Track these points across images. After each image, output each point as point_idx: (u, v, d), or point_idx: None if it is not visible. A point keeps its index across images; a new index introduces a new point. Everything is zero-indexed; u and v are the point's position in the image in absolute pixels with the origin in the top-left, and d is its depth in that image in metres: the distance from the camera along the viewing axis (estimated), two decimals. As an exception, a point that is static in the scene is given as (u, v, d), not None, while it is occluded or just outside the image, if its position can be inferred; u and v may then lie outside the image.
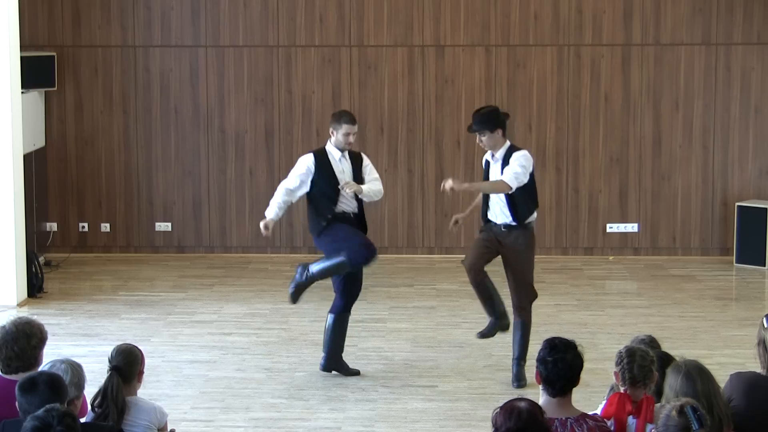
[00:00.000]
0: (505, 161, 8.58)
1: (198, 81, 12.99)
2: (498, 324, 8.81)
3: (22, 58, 11.22)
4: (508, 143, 8.67)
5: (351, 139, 8.92)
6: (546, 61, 12.89)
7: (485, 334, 8.85)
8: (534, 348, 5.21)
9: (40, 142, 12.80)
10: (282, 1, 12.89)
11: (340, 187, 8.79)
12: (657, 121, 12.92)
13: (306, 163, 8.90)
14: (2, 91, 10.78)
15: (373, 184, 8.96)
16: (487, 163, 8.77)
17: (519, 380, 8.69)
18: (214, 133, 13.03)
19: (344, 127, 8.89)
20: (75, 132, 13.05)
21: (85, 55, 12.98)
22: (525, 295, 8.67)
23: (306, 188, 8.87)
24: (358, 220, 8.97)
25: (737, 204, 12.71)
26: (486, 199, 8.75)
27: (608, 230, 13.05)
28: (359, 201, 8.95)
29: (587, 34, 12.86)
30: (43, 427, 4.33)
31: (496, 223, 8.68)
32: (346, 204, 8.87)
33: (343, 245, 8.71)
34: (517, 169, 8.46)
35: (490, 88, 12.91)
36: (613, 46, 12.86)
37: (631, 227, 13.03)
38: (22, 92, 11.36)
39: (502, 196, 8.57)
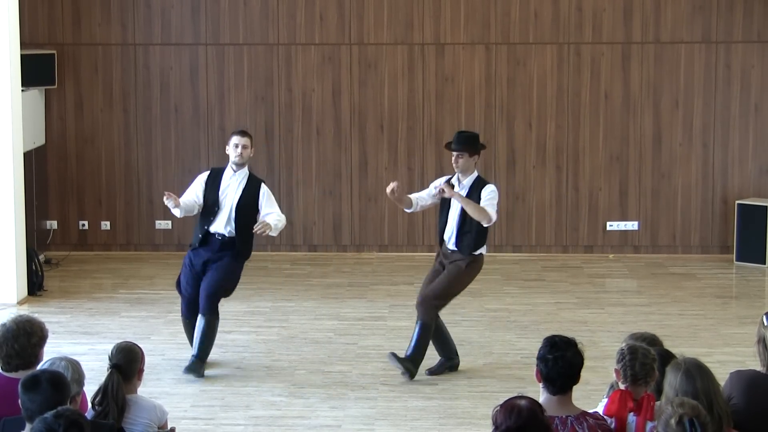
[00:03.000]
0: (473, 191, 8.71)
1: (198, 79, 12.98)
2: (448, 363, 8.98)
3: (22, 56, 11.22)
4: (476, 173, 8.86)
5: (240, 150, 8.90)
6: (546, 59, 12.89)
7: (433, 371, 8.92)
8: (535, 346, 5.21)
9: (40, 140, 12.79)
10: (282, -1, 12.90)
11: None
12: (657, 119, 12.92)
13: (200, 178, 9.11)
14: (2, 89, 10.77)
15: (275, 218, 8.90)
16: (449, 185, 8.79)
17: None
18: (214, 131, 13.02)
19: (233, 138, 8.98)
20: (75, 130, 13.04)
21: (85, 53, 12.97)
22: (433, 297, 8.73)
23: (199, 201, 9.04)
24: (230, 244, 8.92)
25: (737, 202, 12.71)
26: (445, 218, 8.82)
27: (608, 228, 13.05)
28: (240, 227, 8.89)
29: (587, 32, 12.86)
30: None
31: (446, 244, 8.84)
32: (221, 227, 8.94)
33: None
34: (495, 205, 8.69)
35: (490, 86, 12.91)
36: (613, 44, 12.86)
37: (631, 225, 13.02)
38: (22, 90, 11.36)
39: (455, 223, 8.73)
